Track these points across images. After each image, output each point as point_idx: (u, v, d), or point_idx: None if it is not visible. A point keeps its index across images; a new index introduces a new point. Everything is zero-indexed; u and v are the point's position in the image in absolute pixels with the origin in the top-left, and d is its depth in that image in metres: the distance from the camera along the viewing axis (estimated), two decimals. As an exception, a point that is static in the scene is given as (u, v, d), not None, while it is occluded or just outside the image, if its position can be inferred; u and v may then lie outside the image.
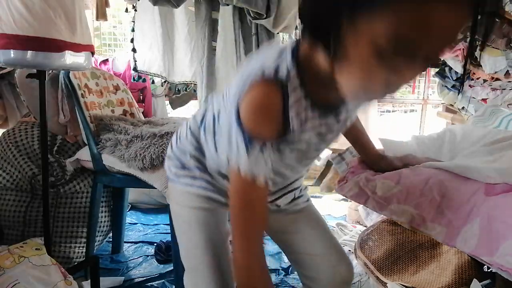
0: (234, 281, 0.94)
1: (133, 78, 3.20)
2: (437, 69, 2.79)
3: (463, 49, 2.30)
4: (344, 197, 3.05)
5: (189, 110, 3.78)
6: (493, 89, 2.18)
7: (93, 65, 2.28)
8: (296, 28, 2.72)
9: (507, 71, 2.04)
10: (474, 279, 1.21)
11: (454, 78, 2.63)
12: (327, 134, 0.85)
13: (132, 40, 2.68)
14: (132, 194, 2.77)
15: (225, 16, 2.36)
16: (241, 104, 0.72)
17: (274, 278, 1.95)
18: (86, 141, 1.87)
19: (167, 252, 2.11)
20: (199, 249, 0.96)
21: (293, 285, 1.88)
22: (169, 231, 2.33)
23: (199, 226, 0.95)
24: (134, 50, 2.68)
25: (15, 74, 2.00)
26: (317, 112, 0.78)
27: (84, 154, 1.88)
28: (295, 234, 1.10)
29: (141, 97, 3.31)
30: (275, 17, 2.60)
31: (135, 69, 2.73)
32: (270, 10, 2.53)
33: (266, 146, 0.75)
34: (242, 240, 0.79)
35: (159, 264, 2.07)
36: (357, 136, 1.17)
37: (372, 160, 1.22)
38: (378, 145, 1.57)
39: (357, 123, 1.12)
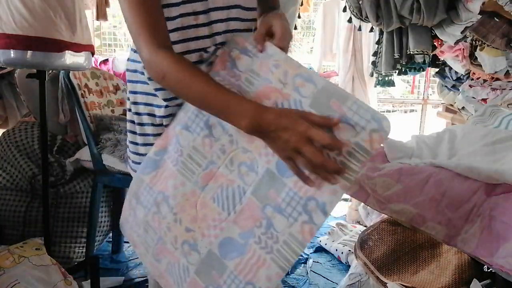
0: None
1: None
2: (437, 69, 2.78)
3: (463, 49, 2.30)
4: (344, 197, 3.05)
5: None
6: (493, 89, 2.17)
7: (93, 65, 2.28)
8: (295, 27, 2.72)
9: (507, 71, 2.03)
10: (474, 279, 1.21)
11: (454, 78, 2.62)
12: None
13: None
14: (132, 194, 2.76)
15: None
16: None
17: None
18: (86, 141, 1.87)
19: (167, 252, 2.10)
20: None
21: (293, 285, 1.89)
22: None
23: None
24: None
25: (15, 74, 2.00)
26: None
27: (84, 154, 1.88)
28: None
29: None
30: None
31: None
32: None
33: None
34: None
35: (159, 264, 2.07)
36: None
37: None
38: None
39: None
